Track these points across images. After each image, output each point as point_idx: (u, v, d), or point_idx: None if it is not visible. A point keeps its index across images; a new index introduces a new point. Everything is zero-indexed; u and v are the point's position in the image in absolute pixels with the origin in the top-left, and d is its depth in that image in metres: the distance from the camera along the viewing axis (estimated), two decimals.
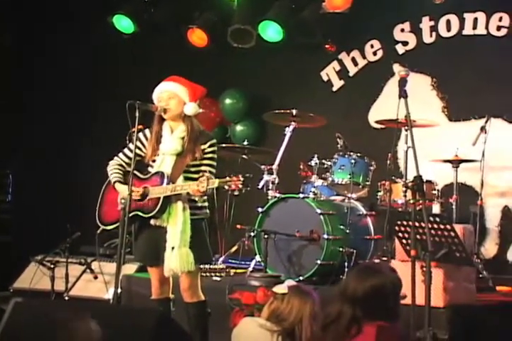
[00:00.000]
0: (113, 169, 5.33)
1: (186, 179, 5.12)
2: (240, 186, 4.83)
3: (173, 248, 5.03)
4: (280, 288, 4.24)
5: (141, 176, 5.22)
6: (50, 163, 9.63)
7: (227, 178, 4.86)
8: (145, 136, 5.31)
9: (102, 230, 5.34)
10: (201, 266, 5.79)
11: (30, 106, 9.74)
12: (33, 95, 9.77)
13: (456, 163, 7.15)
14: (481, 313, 5.55)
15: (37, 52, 9.74)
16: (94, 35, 9.50)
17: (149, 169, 5.26)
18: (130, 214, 5.02)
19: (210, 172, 5.12)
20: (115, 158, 5.39)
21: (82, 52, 9.63)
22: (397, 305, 3.65)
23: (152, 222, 5.14)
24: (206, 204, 5.30)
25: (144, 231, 5.22)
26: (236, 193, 5.07)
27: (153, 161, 5.25)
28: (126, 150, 5.36)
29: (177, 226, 5.05)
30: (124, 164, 5.33)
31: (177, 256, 5.01)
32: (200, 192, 4.89)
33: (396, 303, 3.65)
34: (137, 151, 5.24)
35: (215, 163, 5.23)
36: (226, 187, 4.90)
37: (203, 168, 5.16)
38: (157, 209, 5.06)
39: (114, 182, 5.28)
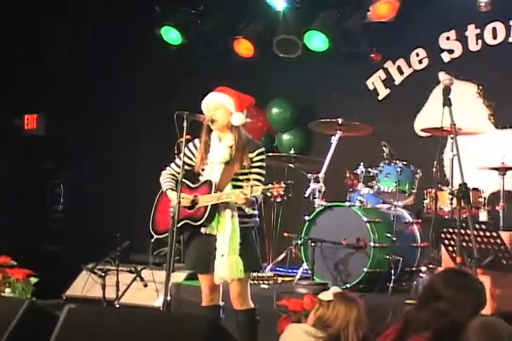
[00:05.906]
0: (165, 178, 5.42)
1: (235, 187, 5.16)
2: (282, 193, 4.83)
3: (222, 255, 5.08)
4: (326, 295, 4.27)
5: (191, 185, 5.29)
6: (100, 174, 9.77)
7: (270, 185, 4.89)
8: (195, 145, 5.39)
9: (156, 239, 5.43)
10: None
11: (86, 120, 9.93)
12: (90, 107, 9.96)
13: (502, 170, 7.11)
14: None
15: (84, 65, 9.92)
16: (141, 47, 9.64)
17: (200, 178, 5.34)
18: (180, 223, 5.10)
19: (258, 180, 5.16)
20: (167, 167, 5.48)
21: (130, 65, 9.77)
22: None
23: (202, 230, 5.21)
24: (256, 212, 5.33)
25: (194, 240, 5.30)
26: (278, 200, 5.09)
27: (203, 170, 5.32)
28: (177, 160, 5.43)
29: (226, 233, 5.11)
30: (175, 173, 5.39)
31: (226, 264, 5.07)
32: (244, 199, 4.96)
33: None
34: (188, 161, 5.34)
35: (263, 171, 5.26)
36: (268, 194, 4.91)
37: (251, 176, 5.20)
38: (205, 217, 5.12)
39: (166, 189, 5.37)
